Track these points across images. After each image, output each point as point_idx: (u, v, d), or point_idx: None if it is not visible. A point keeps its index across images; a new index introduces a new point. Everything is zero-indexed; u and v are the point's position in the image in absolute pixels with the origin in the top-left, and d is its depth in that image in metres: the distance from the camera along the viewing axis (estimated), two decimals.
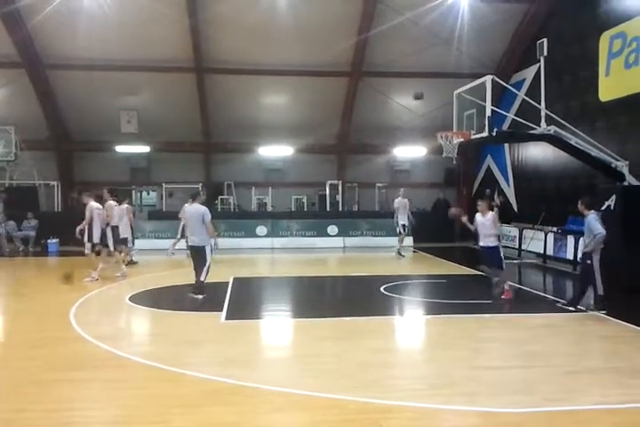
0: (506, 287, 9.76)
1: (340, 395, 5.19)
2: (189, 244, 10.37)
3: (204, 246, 9.82)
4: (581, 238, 9.88)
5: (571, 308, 8.81)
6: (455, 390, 5.39)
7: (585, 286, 9.00)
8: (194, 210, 9.96)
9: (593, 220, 8.69)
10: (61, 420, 4.73)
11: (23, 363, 6.33)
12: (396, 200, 16.54)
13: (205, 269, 9.84)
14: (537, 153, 18.42)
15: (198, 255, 9.92)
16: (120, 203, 13.37)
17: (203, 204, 10.27)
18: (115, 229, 12.70)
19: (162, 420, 4.72)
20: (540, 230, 15.54)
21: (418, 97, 18.87)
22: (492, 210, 9.96)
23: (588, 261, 8.78)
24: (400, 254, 16.40)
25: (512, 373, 5.94)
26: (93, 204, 12.05)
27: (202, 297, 9.83)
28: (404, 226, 16.39)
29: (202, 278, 9.87)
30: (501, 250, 9.87)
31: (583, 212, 8.95)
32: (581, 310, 8.74)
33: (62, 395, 5.33)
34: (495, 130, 11.50)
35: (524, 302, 10.37)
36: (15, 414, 4.82)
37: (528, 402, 5.06)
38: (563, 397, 5.20)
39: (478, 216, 9.96)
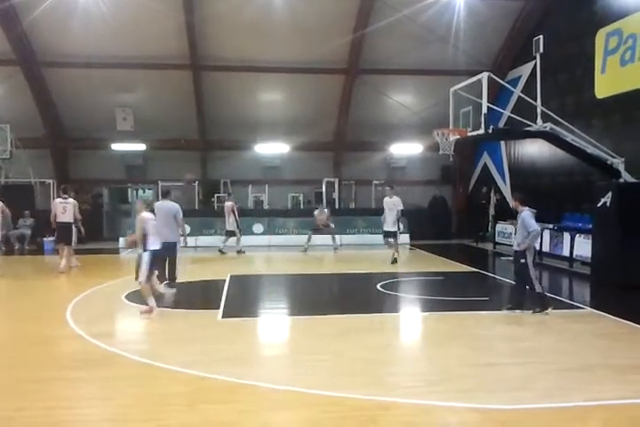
0: (150, 303, 8.34)
1: (337, 392, 5.20)
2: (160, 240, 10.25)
3: (175, 242, 10.17)
4: (514, 236, 9.44)
5: (517, 311, 8.42)
6: (451, 386, 5.41)
7: (522, 286, 8.68)
8: (168, 207, 10.16)
9: (527, 216, 8.45)
10: (60, 418, 4.73)
11: (20, 361, 6.33)
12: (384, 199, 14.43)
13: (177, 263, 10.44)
14: (533, 150, 18.46)
15: (172, 250, 10.13)
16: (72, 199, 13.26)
17: (174, 201, 10.53)
18: (63, 226, 12.85)
19: (160, 418, 4.72)
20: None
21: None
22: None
23: (522, 260, 8.50)
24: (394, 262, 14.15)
25: (508, 369, 5.96)
26: None
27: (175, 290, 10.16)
28: (386, 233, 14.08)
29: (177, 273, 10.36)
30: (145, 258, 8.26)
31: (517, 208, 8.71)
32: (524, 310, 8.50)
33: (60, 393, 5.33)
34: (491, 127, 11.53)
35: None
36: (13, 413, 4.82)
37: (524, 399, 5.08)
38: (558, 393, 5.22)
39: None
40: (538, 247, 14.88)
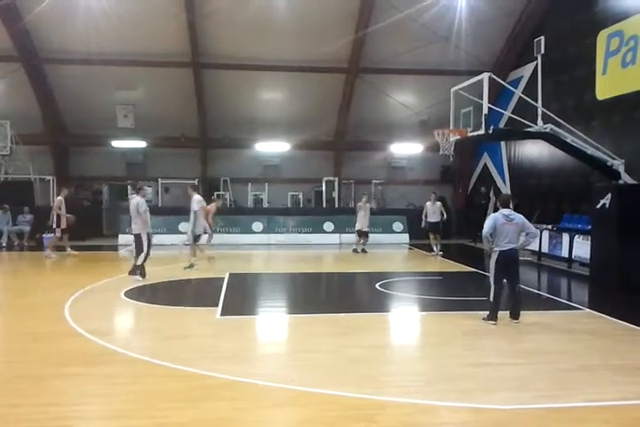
0: None
1: (335, 391, 5.20)
2: (130, 232, 11.71)
3: (139, 234, 11.20)
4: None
5: (491, 322, 7.90)
6: (449, 386, 5.41)
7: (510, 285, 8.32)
8: (133, 202, 11.41)
9: (488, 218, 8.21)
10: (56, 415, 4.73)
11: (18, 358, 6.32)
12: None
13: (143, 254, 11.20)
14: (533, 151, 18.46)
15: (136, 241, 11.28)
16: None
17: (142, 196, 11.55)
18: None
19: (157, 415, 4.71)
20: (536, 228, 15.57)
21: None
22: None
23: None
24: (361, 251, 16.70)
25: (506, 370, 5.96)
26: None
27: (142, 279, 11.11)
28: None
29: (138, 262, 11.23)
30: None
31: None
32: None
33: (57, 390, 5.33)
34: (492, 127, 11.51)
35: None
36: (10, 409, 4.81)
37: (522, 399, 5.08)
38: (557, 394, 5.22)
39: None
40: (537, 248, 14.97)
